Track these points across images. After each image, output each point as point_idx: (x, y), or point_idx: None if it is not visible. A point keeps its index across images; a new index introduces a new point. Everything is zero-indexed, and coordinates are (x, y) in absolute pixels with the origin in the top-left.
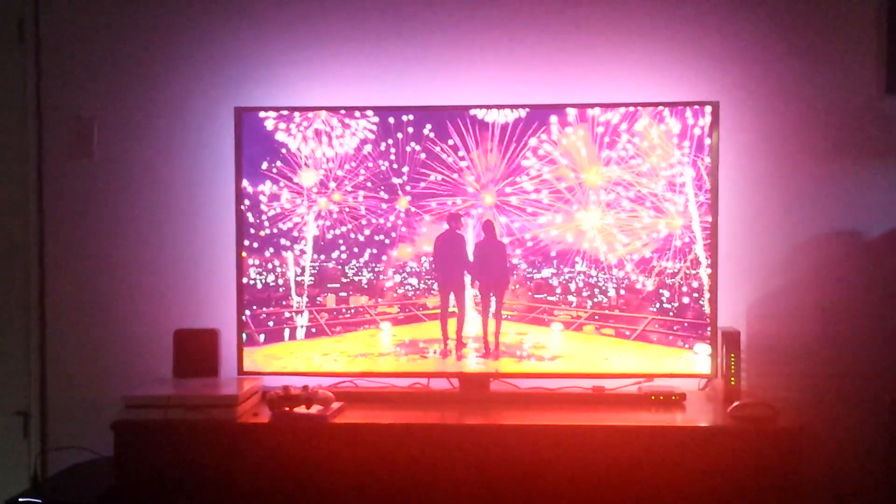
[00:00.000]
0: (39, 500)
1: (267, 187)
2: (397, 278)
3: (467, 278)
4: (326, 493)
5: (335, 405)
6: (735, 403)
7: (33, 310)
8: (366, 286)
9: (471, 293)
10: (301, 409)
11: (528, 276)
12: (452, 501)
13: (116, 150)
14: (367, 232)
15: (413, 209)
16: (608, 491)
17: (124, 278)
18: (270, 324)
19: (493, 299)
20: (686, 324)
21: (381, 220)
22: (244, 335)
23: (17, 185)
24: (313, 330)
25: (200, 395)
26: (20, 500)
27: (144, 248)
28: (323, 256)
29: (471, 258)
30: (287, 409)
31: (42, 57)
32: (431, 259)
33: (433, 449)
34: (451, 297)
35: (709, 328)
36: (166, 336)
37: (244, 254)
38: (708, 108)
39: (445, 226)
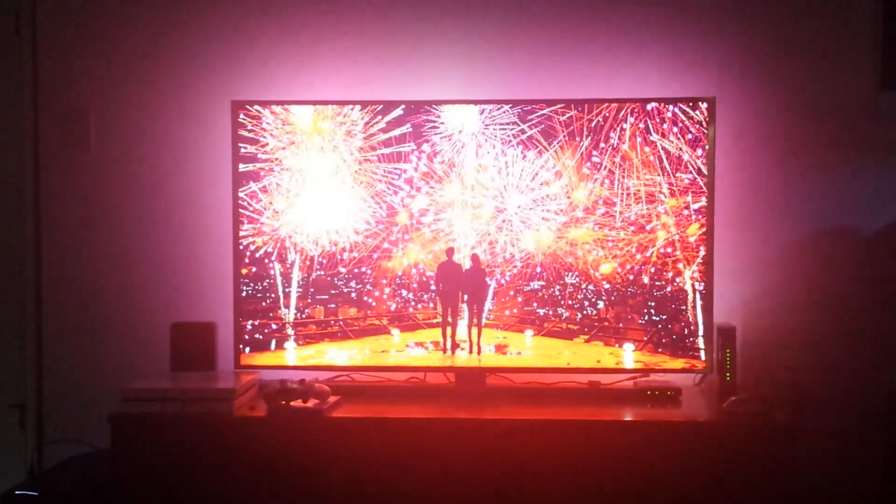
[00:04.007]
0: (36, 493)
1: (264, 184)
2: (388, 291)
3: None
4: (323, 487)
5: (332, 399)
6: (730, 399)
7: (30, 302)
8: (359, 296)
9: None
10: (298, 403)
11: (517, 289)
12: (449, 495)
13: (113, 143)
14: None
15: (412, 223)
16: (603, 485)
17: (121, 271)
18: (258, 335)
19: (476, 311)
20: (677, 325)
21: (383, 232)
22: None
23: (13, 177)
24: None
25: (197, 388)
26: (17, 492)
27: (141, 240)
28: (319, 268)
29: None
30: (284, 402)
31: (39, 49)
32: (434, 281)
33: (430, 443)
34: (449, 310)
35: (700, 330)
36: (163, 329)
37: (241, 248)
38: (704, 105)
39: (445, 257)
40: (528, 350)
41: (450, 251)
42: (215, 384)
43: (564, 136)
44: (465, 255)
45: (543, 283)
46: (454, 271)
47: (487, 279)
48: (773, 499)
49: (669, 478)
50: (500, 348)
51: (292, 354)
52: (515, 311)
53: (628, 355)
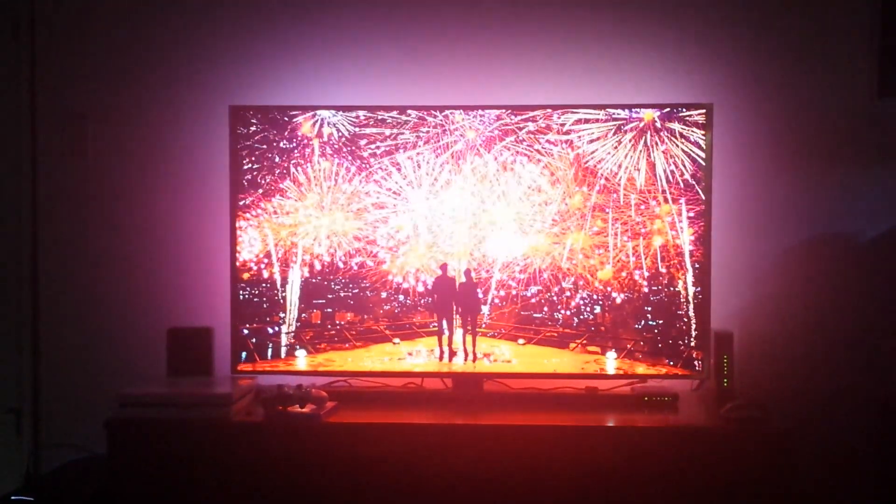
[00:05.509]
0: (32, 498)
1: (262, 189)
2: (384, 294)
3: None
4: (320, 493)
5: (329, 405)
6: (728, 405)
7: (26, 306)
8: (357, 303)
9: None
10: (295, 409)
11: (512, 296)
12: (446, 500)
13: (111, 148)
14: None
15: (411, 230)
16: (600, 491)
17: (118, 276)
18: (255, 340)
19: (470, 321)
20: (675, 331)
21: (383, 239)
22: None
23: (10, 181)
24: (302, 348)
25: (194, 393)
26: (13, 498)
27: (138, 245)
28: (317, 274)
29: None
30: (281, 408)
31: (36, 55)
32: (430, 295)
33: (427, 448)
34: (444, 320)
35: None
36: (160, 334)
37: (239, 252)
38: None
39: (439, 271)
40: (522, 357)
41: (444, 266)
42: (212, 389)
43: (561, 142)
44: (461, 267)
45: (540, 288)
46: (448, 285)
47: (480, 292)
48: None
49: (667, 484)
50: (490, 356)
51: (289, 360)
52: (518, 310)
53: (624, 362)
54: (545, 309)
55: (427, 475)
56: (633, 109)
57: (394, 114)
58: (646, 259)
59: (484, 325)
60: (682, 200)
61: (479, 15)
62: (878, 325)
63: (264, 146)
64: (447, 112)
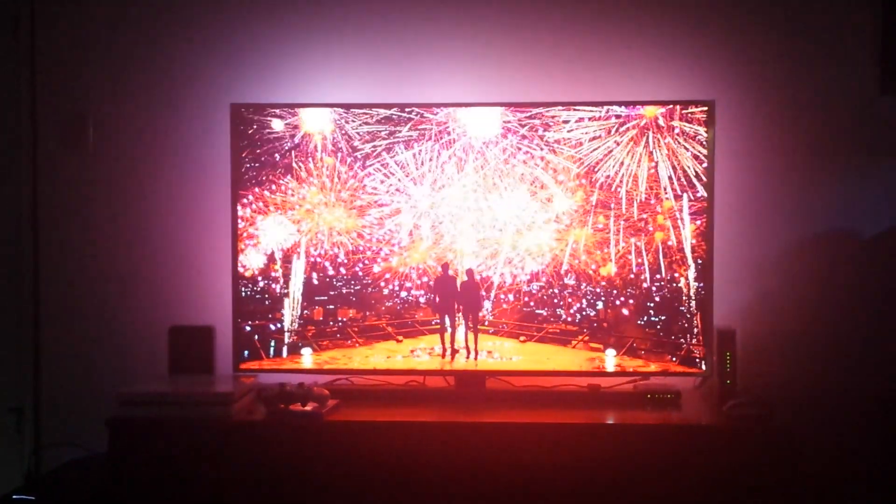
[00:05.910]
0: (33, 497)
1: (263, 186)
2: (386, 292)
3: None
4: (322, 491)
5: (331, 402)
6: (730, 402)
7: (27, 305)
8: (359, 300)
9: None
10: (297, 407)
11: (514, 293)
12: (448, 498)
13: (111, 145)
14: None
15: (413, 229)
16: (602, 489)
17: (119, 274)
18: (257, 337)
19: (472, 319)
20: (677, 328)
21: (385, 237)
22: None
23: (11, 179)
24: (306, 346)
25: (196, 392)
26: (14, 497)
27: (139, 243)
28: (319, 271)
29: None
30: (282, 406)
31: (37, 51)
32: (431, 294)
33: (429, 446)
34: (447, 318)
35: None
36: (161, 333)
37: (241, 250)
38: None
39: (440, 270)
40: (524, 355)
41: (445, 266)
42: (214, 388)
43: (564, 139)
44: (462, 265)
45: (542, 285)
46: (450, 284)
47: (482, 290)
48: (772, 502)
49: (669, 481)
50: (492, 353)
51: (292, 357)
52: (520, 307)
53: (626, 359)
54: (546, 308)
55: (429, 473)
56: (636, 106)
57: (395, 111)
58: (648, 255)
59: (486, 323)
60: (685, 197)
61: (480, 13)
62: (881, 323)
63: (266, 144)
64: (449, 109)
